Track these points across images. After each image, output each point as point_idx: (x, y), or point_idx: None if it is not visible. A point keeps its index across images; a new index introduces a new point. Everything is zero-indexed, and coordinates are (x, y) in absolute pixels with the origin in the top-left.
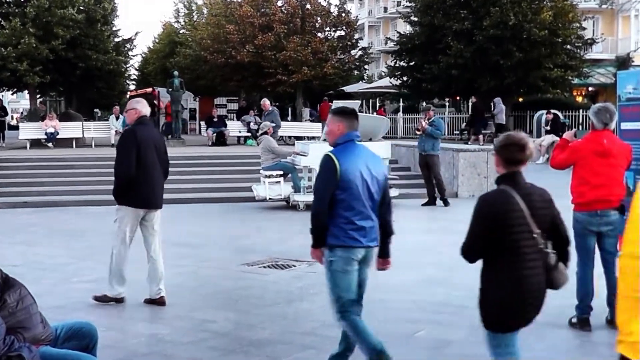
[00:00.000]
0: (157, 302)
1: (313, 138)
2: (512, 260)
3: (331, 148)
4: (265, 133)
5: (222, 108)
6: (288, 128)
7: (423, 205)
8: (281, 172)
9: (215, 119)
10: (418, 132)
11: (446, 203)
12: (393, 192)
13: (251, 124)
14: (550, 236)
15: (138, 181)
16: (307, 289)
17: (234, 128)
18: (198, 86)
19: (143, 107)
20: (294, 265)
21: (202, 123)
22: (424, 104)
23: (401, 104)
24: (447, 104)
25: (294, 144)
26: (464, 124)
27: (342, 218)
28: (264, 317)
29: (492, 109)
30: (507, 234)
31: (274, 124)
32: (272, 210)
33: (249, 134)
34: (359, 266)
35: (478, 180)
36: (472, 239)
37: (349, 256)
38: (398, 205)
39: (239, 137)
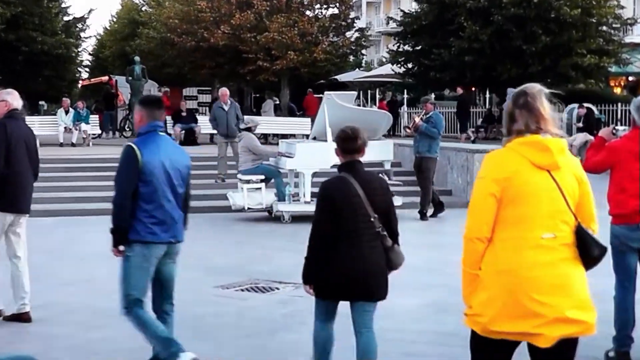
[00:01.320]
0: (22, 318)
1: (292, 136)
2: (352, 242)
3: (320, 147)
4: (249, 130)
5: (192, 100)
6: (271, 124)
7: (431, 216)
8: (262, 177)
9: (184, 114)
10: (408, 131)
11: (423, 217)
12: (396, 201)
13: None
14: (385, 222)
15: (7, 181)
16: (293, 317)
17: (206, 125)
18: (163, 74)
19: (14, 100)
20: (278, 288)
21: (168, 118)
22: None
23: (405, 95)
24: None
25: (277, 144)
26: (480, 119)
27: (143, 211)
28: (243, 349)
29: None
30: (346, 217)
31: (254, 123)
32: (252, 222)
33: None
34: (163, 261)
35: None
36: (318, 225)
37: (147, 253)
38: (402, 217)
39: (212, 135)
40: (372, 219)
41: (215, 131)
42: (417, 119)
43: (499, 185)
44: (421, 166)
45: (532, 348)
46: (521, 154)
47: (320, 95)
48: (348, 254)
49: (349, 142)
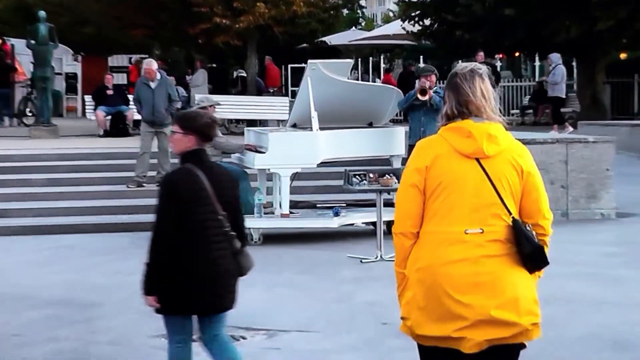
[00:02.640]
0: None
1: (261, 123)
2: (200, 245)
3: (302, 137)
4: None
5: (122, 73)
6: (233, 106)
7: None
8: None
9: (110, 92)
10: (422, 99)
11: None
12: None
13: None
14: (232, 221)
15: None
16: None
17: None
18: (81, 37)
19: None
20: (244, 338)
21: (88, 98)
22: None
23: (421, 64)
24: (498, 63)
25: (241, 133)
26: (528, 97)
27: None
28: None
29: (548, 71)
30: (194, 215)
31: (210, 103)
32: None
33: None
34: None
35: (551, 190)
36: (162, 225)
37: None
38: None
39: None
40: (220, 217)
41: None
42: (427, 84)
43: (420, 174)
44: None
45: (460, 356)
46: (446, 140)
47: (302, 65)
48: (196, 259)
49: (210, 129)
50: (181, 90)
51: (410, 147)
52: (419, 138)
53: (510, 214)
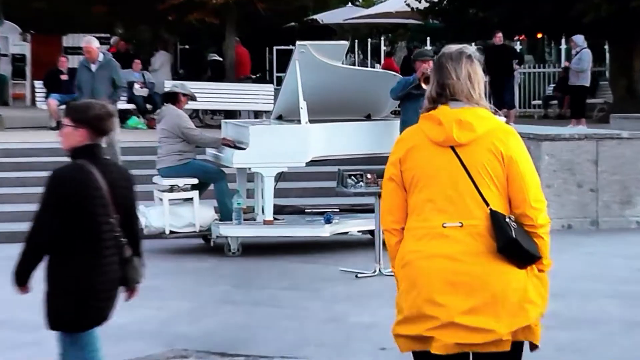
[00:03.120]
0: None
1: (240, 114)
2: (89, 249)
3: (289, 131)
4: (172, 99)
5: (79, 55)
6: (208, 95)
7: None
8: (195, 181)
9: (65, 77)
10: (427, 87)
11: None
12: None
13: (136, 85)
14: (126, 225)
15: None
16: None
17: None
18: (30, 12)
19: None
20: None
21: (39, 84)
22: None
23: (429, 47)
24: (518, 46)
25: (218, 126)
26: (552, 85)
27: None
28: None
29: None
30: (85, 217)
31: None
32: (177, 255)
33: (132, 107)
34: None
35: (578, 194)
36: (41, 226)
37: None
38: None
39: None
40: (112, 220)
41: (128, 105)
42: (429, 70)
43: (395, 167)
44: None
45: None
46: (422, 129)
47: (289, 47)
48: (85, 268)
49: (107, 122)
50: (148, 75)
51: None
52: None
53: (488, 205)
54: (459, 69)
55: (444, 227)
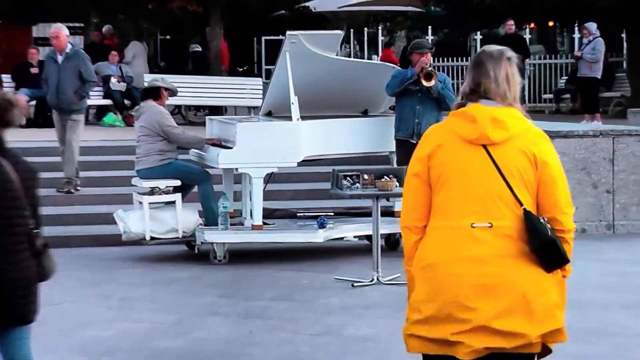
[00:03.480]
0: None
1: (225, 110)
2: (3, 245)
3: (279, 128)
4: (152, 94)
5: (49, 47)
6: (192, 89)
7: None
8: (177, 183)
9: (36, 70)
10: (427, 84)
11: None
12: None
13: (112, 79)
14: (34, 215)
15: None
16: None
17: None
18: None
19: None
20: None
21: (7, 78)
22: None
23: (430, 37)
24: (527, 35)
25: (203, 124)
26: (564, 78)
27: None
28: None
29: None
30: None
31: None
32: (158, 263)
33: (109, 103)
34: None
35: (593, 195)
36: None
37: None
38: None
39: (87, 110)
40: (26, 213)
41: (105, 101)
42: (428, 64)
43: (422, 164)
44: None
45: None
46: (451, 127)
47: (279, 37)
48: (2, 264)
49: (9, 112)
50: (126, 69)
51: (398, 142)
52: (411, 131)
53: (522, 205)
54: (497, 68)
55: (473, 227)
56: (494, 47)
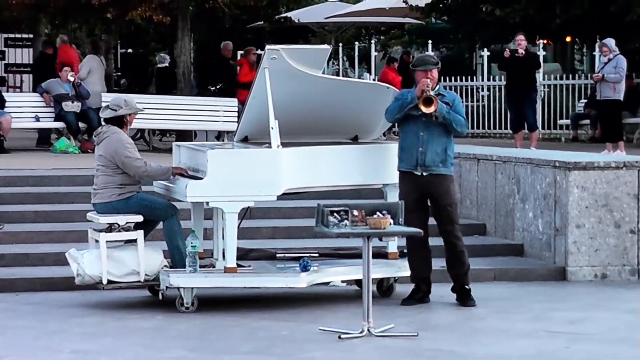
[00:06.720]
0: None
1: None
2: None
3: (256, 156)
4: (116, 120)
5: None
6: (157, 111)
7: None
8: (140, 218)
9: None
10: (426, 111)
11: (468, 300)
12: None
13: (66, 100)
14: None
15: None
16: None
17: (25, 111)
18: None
19: None
20: None
21: None
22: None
23: (430, 51)
24: (541, 52)
25: (170, 151)
26: (583, 101)
27: None
28: None
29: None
30: None
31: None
32: (117, 311)
33: (61, 126)
34: None
35: (617, 236)
36: None
37: None
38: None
39: (39, 133)
40: None
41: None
42: (429, 85)
43: None
44: (433, 195)
45: None
46: None
47: (257, 52)
48: None
49: None
50: (83, 89)
51: (401, 174)
52: (414, 162)
53: None
54: None
55: None
56: None
